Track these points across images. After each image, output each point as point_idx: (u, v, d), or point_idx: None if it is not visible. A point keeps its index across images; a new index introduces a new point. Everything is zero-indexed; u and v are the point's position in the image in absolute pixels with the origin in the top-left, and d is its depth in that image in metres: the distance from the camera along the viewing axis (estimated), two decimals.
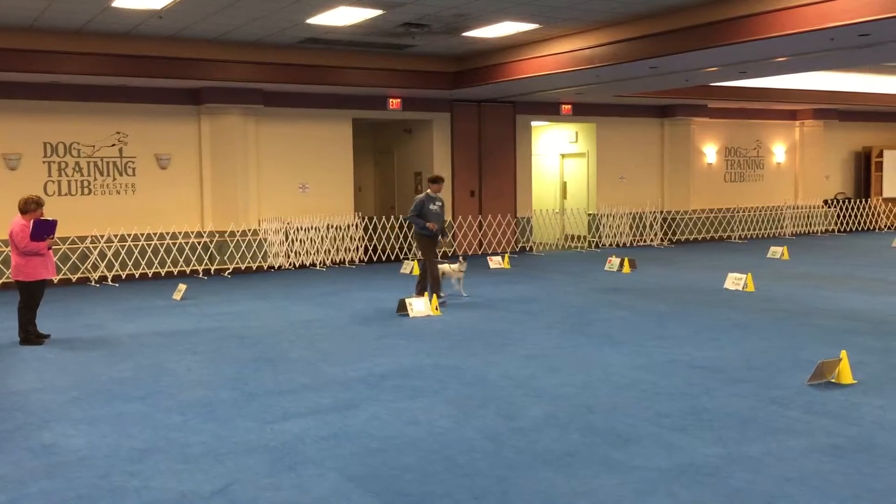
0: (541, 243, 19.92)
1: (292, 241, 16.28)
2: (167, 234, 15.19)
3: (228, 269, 15.52)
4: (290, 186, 16.46)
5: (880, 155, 23.83)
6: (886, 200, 23.93)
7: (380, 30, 12.78)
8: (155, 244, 15.03)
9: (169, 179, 15.33)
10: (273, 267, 16.11)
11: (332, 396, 6.82)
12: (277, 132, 16.26)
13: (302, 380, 7.40)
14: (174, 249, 15.17)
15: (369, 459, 5.31)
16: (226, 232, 15.53)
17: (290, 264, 16.28)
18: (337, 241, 16.79)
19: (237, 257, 15.52)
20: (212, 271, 15.48)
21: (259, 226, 16.00)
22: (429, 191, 11.55)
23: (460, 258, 12.10)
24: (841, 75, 19.79)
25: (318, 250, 16.52)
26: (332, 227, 16.67)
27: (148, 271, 14.97)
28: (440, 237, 11.48)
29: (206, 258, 15.43)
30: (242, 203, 15.69)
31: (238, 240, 15.55)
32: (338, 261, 16.84)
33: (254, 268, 15.79)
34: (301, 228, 16.34)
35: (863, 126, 24.16)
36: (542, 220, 19.88)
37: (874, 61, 15.24)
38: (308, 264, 16.47)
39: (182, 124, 15.38)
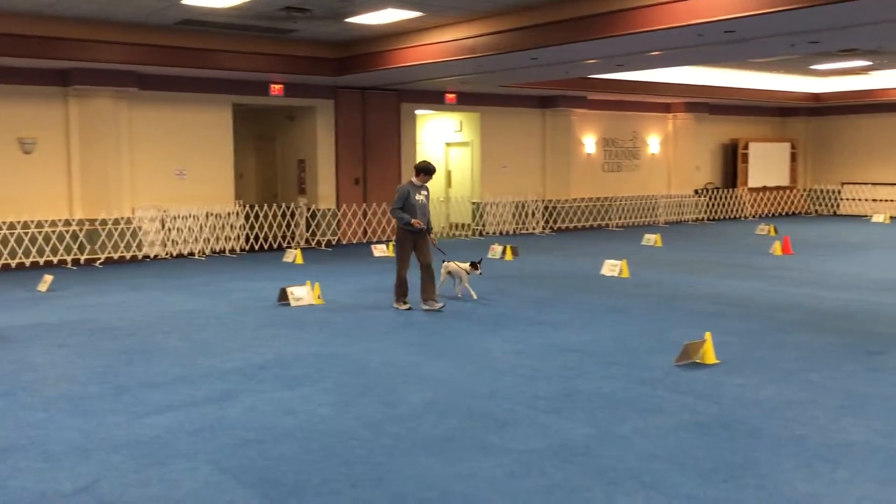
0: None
1: (169, 229, 15.73)
2: (32, 222, 14.38)
3: (100, 258, 14.84)
4: (166, 173, 15.88)
5: (746, 147, 25.12)
6: (751, 190, 25.27)
7: (260, 13, 12.48)
8: (18, 233, 14.20)
9: (34, 165, 14.50)
10: (148, 256, 15.53)
11: (208, 388, 6.65)
12: (153, 116, 15.65)
13: (176, 372, 7.17)
14: (40, 238, 14.38)
15: (245, 451, 5.21)
16: (96, 220, 14.83)
17: (166, 253, 15.73)
18: (217, 230, 16.35)
19: (109, 246, 14.86)
20: (81, 261, 14.77)
21: (133, 213, 15.38)
22: (414, 179, 10.00)
23: (476, 263, 10.60)
24: (711, 70, 20.73)
25: (196, 239, 16.04)
26: (211, 214, 16.21)
27: (11, 262, 14.15)
28: (429, 233, 10.01)
29: (76, 248, 14.70)
30: (115, 190, 15.02)
31: (110, 228, 14.89)
32: (217, 250, 16.40)
33: (127, 257, 15.17)
34: (178, 216, 15.81)
35: (730, 119, 25.42)
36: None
37: (740, 57, 16.04)
38: (186, 253, 15.96)
39: (48, 107, 14.56)
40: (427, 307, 9.91)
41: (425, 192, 10.03)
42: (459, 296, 10.66)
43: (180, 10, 12.15)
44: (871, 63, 19.18)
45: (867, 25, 10.79)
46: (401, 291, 10.00)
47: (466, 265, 10.54)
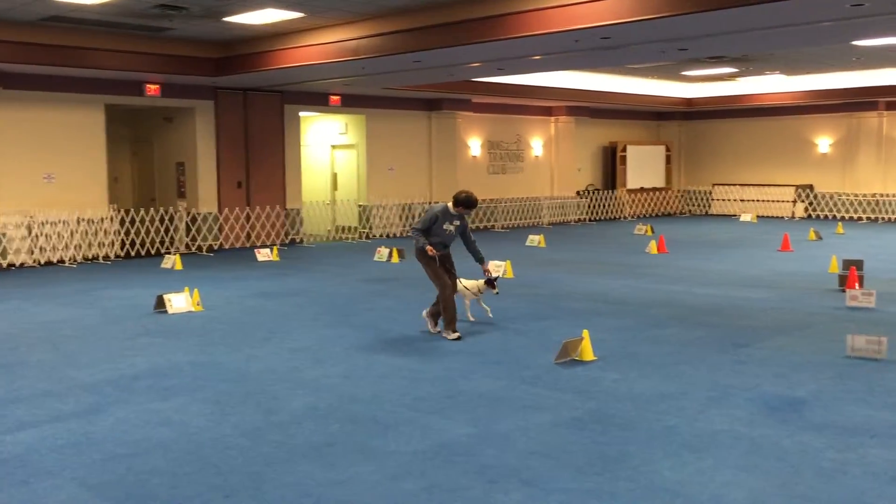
0: (311, 235, 19.76)
1: (36, 235, 14.93)
2: None
3: None
4: (33, 176, 15.08)
5: (624, 149, 26.01)
6: (630, 191, 26.18)
7: (133, 10, 12.02)
8: None
9: None
10: (14, 265, 14.69)
11: (76, 401, 6.34)
12: (17, 117, 14.82)
13: (42, 385, 6.80)
14: None
15: (114, 466, 4.99)
16: None
17: (34, 261, 14.92)
18: (89, 236, 15.64)
19: None
20: None
21: None
22: (450, 205, 8.69)
23: (493, 281, 9.01)
24: (590, 75, 21.38)
25: (66, 245, 15.29)
26: (83, 220, 15.49)
27: None
28: (484, 268, 8.89)
29: None
30: None
31: None
32: (90, 256, 15.68)
33: None
34: (47, 222, 15.03)
35: (609, 123, 26.27)
36: (312, 211, 19.73)
37: (616, 63, 16.57)
38: (55, 261, 15.19)
39: None
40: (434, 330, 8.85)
41: (457, 223, 8.70)
42: (471, 319, 9.27)
43: (47, 5, 11.55)
44: (737, 70, 20.24)
45: (731, 34, 11.35)
46: (450, 316, 8.53)
47: (479, 283, 9.14)
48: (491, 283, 8.97)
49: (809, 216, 24.63)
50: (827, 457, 5.01)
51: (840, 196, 24.18)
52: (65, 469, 4.94)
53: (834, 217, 24.05)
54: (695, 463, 4.93)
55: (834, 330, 8.66)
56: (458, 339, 8.40)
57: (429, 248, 8.52)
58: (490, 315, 9.28)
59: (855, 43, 14.62)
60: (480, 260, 8.89)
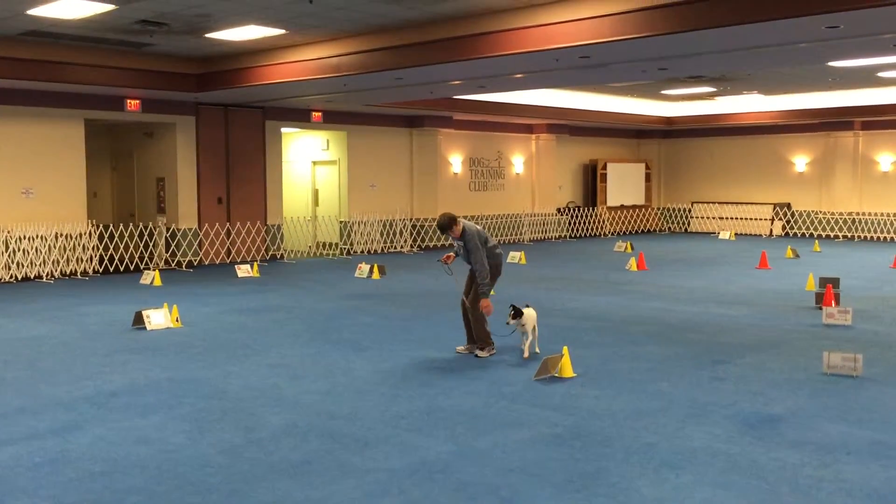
0: (292, 251, 19.71)
1: (14, 250, 14.79)
2: None
3: None
4: (10, 191, 14.95)
5: (604, 167, 26.19)
6: (610, 209, 26.35)
7: (113, 26, 11.99)
8: None
9: None
10: None
11: (52, 419, 6.27)
12: None
13: (16, 402, 6.73)
14: None
15: (90, 484, 4.94)
16: None
17: (10, 276, 14.77)
18: (67, 251, 15.50)
19: None
20: None
21: None
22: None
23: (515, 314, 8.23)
24: (571, 93, 21.55)
25: (44, 261, 15.15)
26: (61, 235, 15.37)
27: None
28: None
29: None
30: None
31: None
32: (68, 272, 15.54)
33: None
34: (25, 237, 14.89)
35: (590, 140, 26.46)
36: (293, 227, 19.69)
37: (597, 81, 16.74)
38: (33, 276, 15.04)
39: None
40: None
41: (461, 243, 8.37)
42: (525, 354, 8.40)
43: (26, 20, 11.50)
44: (716, 89, 20.47)
45: (710, 54, 11.50)
46: (479, 335, 8.44)
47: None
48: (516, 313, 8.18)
49: (787, 234, 24.88)
50: (804, 473, 5.05)
51: (817, 214, 24.45)
52: (40, 488, 4.88)
53: (811, 235, 24.30)
54: (673, 480, 4.95)
55: (810, 347, 8.74)
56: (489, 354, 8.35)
57: (446, 255, 8.61)
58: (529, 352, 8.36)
59: (831, 64, 14.85)
60: (479, 288, 8.26)
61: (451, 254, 8.57)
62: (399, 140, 21.37)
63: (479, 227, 8.55)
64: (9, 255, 14.74)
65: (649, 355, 8.42)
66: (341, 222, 20.34)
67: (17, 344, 9.14)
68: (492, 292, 8.46)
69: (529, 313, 8.30)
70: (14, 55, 13.06)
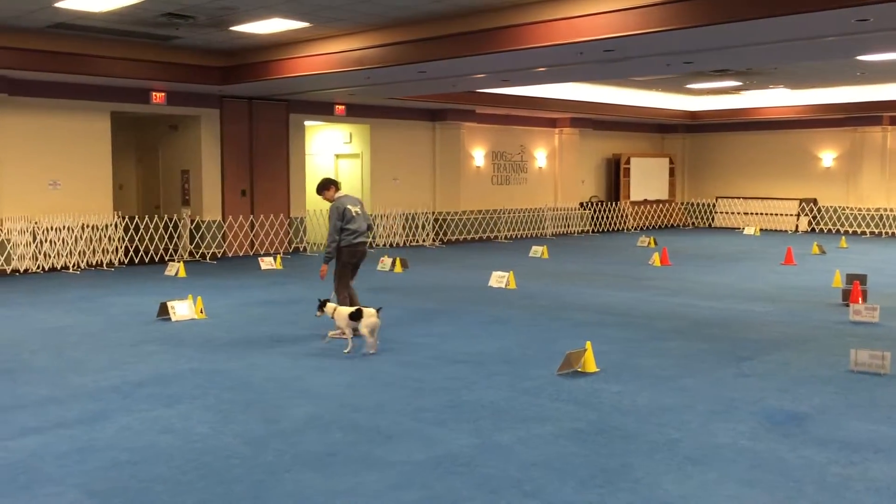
0: (315, 244, 19.78)
1: (41, 241, 14.97)
2: None
3: None
4: (38, 183, 15.13)
5: (628, 162, 26.04)
6: (633, 203, 26.20)
7: (140, 19, 12.08)
8: None
9: None
10: (18, 270, 14.72)
11: (80, 408, 6.34)
12: (23, 123, 14.88)
13: (45, 392, 6.81)
14: None
15: (116, 473, 4.99)
16: None
17: (38, 267, 14.95)
18: (94, 242, 15.66)
19: None
20: None
21: (1, 225, 14.55)
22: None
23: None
24: (594, 87, 21.42)
25: (71, 252, 15.31)
26: (87, 226, 15.52)
27: None
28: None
29: None
30: None
31: None
32: (94, 263, 15.70)
33: None
34: (52, 228, 15.07)
35: (613, 135, 26.31)
36: (316, 220, 19.75)
37: (621, 75, 16.61)
38: (60, 267, 15.22)
39: None
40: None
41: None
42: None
43: (53, 13, 11.62)
44: (741, 83, 20.26)
45: (736, 48, 11.38)
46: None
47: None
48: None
49: (813, 230, 24.61)
50: (830, 472, 5.00)
51: (844, 210, 24.17)
52: (67, 476, 4.94)
53: (837, 231, 24.02)
54: (698, 476, 4.92)
55: (837, 344, 8.65)
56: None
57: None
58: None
59: (859, 58, 14.65)
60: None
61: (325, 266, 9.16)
62: (422, 133, 21.36)
63: (356, 210, 9.09)
64: (36, 246, 14.91)
65: (673, 351, 8.37)
66: None
67: (44, 334, 9.25)
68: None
69: (369, 320, 8.07)
70: (41, 48, 13.19)
